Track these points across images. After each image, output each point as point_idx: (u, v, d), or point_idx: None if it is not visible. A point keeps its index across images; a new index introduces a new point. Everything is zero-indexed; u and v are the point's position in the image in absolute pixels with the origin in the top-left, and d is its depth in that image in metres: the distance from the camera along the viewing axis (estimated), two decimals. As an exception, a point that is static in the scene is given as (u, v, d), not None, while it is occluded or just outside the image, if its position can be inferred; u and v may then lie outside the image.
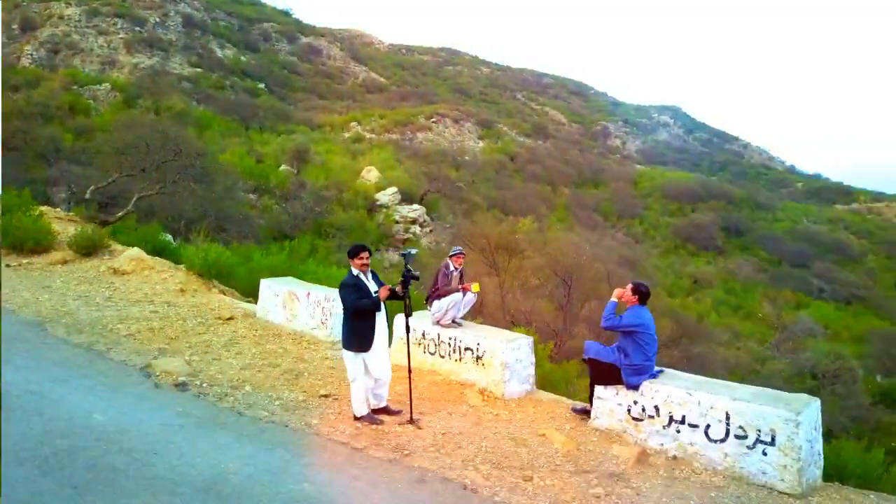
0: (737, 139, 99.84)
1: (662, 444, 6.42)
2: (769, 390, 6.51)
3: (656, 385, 6.52)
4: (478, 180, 50.30)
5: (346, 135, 57.57)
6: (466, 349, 8.03)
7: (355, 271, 6.62)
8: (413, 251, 6.91)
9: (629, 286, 6.84)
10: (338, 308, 9.52)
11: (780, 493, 5.70)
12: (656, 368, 6.75)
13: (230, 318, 10.54)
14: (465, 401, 7.58)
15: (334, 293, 9.87)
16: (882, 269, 60.22)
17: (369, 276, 6.70)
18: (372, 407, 6.85)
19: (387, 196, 35.50)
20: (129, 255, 12.64)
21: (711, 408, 6.11)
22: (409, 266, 6.68)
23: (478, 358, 7.94)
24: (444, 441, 6.41)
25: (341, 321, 6.77)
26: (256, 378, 7.96)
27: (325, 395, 7.48)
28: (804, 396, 6.18)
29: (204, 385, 7.61)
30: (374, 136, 59.08)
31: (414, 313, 7.92)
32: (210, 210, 22.02)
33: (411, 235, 34.05)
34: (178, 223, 21.70)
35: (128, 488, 5.14)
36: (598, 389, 6.89)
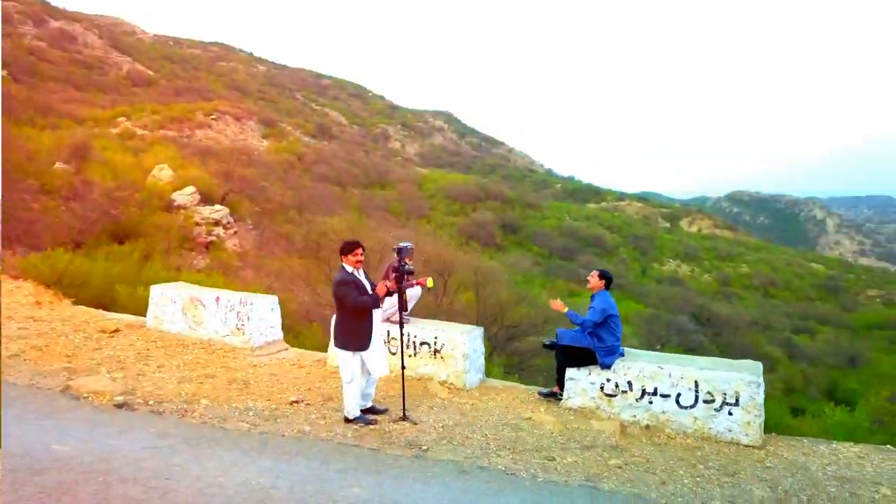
0: (502, 144, 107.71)
1: (635, 416, 7.07)
2: (719, 359, 7.50)
3: (627, 363, 7.15)
4: (270, 180, 48.81)
5: (115, 131, 52.50)
6: (423, 343, 8.05)
7: (349, 268, 6.37)
8: (408, 245, 6.81)
9: (595, 272, 7.43)
10: (256, 312, 9.06)
11: (745, 446, 6.60)
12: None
13: (116, 331, 9.41)
14: (432, 394, 7.62)
15: (251, 297, 9.37)
16: (632, 259, 69.28)
17: (362, 272, 6.49)
18: (360, 407, 6.66)
19: (184, 196, 33.03)
20: (-45, 265, 10.63)
21: (681, 378, 6.87)
22: (404, 260, 6.58)
23: (435, 351, 8.01)
24: (448, 434, 6.44)
25: (335, 320, 6.47)
26: (204, 391, 7.27)
27: (296, 402, 7.08)
28: (749, 362, 7.21)
29: (151, 403, 6.80)
30: (147, 132, 54.51)
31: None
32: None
33: (215, 238, 32.14)
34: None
35: (169, 519, 4.56)
36: (571, 371, 7.36)
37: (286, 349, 9.41)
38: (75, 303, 11.21)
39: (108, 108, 58.64)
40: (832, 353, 47.60)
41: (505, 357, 14.68)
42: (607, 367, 7.16)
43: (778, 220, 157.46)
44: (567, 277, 53.68)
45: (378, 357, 6.52)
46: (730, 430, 6.70)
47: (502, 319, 15.04)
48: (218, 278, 15.27)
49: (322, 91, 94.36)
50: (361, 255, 6.42)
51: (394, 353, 8.22)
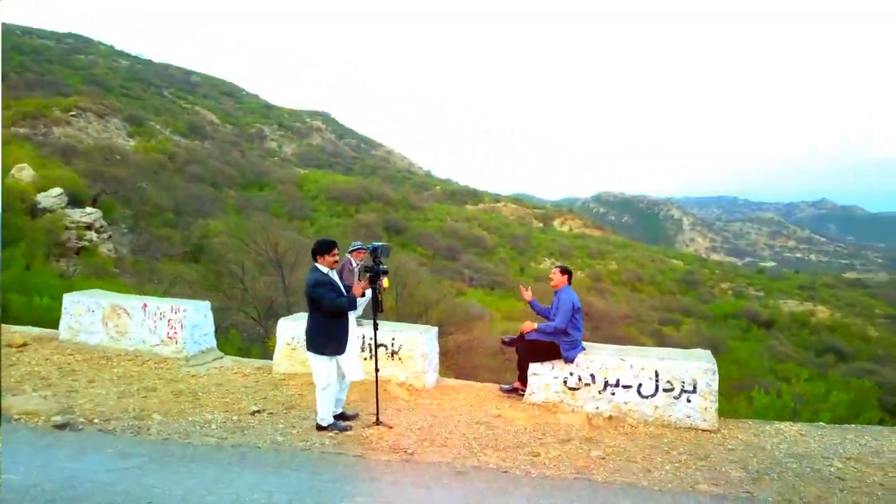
0: (381, 146, 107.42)
1: (598, 408, 7.23)
2: (672, 349, 7.81)
3: (590, 356, 7.30)
4: (141, 181, 46.04)
5: (-42, 127, 47.58)
6: (380, 345, 7.82)
7: (324, 269, 6.06)
8: (386, 245, 6.56)
9: (556, 269, 7.53)
10: (190, 320, 8.51)
11: (704, 430, 6.92)
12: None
13: (24, 345, 8.49)
14: (394, 396, 7.43)
15: (182, 304, 8.77)
16: (510, 259, 71.22)
17: (335, 274, 6.20)
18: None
19: (51, 198, 30.39)
20: None
21: (642, 369, 7.10)
22: (381, 260, 6.35)
23: (393, 353, 7.82)
24: (428, 435, 6.29)
25: (308, 323, 6.12)
26: (151, 405, 6.70)
27: (259, 411, 6.66)
28: (701, 350, 7.57)
29: (96, 421, 6.18)
30: (-5, 128, 49.87)
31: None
32: None
33: (87, 242, 29.84)
34: None
35: (170, 546, 4.14)
36: (534, 367, 7.40)
37: (221, 357, 8.86)
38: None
39: (-51, 102, 53.13)
40: (696, 342, 51.21)
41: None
42: (570, 360, 7.27)
43: (640, 219, 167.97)
44: (452, 277, 54.53)
45: (354, 360, 6.27)
46: (688, 417, 6.99)
47: (427, 318, 14.97)
48: (116, 284, 14.16)
49: (191, 88, 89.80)
50: (338, 255, 6.14)
51: (347, 357, 7.98)
